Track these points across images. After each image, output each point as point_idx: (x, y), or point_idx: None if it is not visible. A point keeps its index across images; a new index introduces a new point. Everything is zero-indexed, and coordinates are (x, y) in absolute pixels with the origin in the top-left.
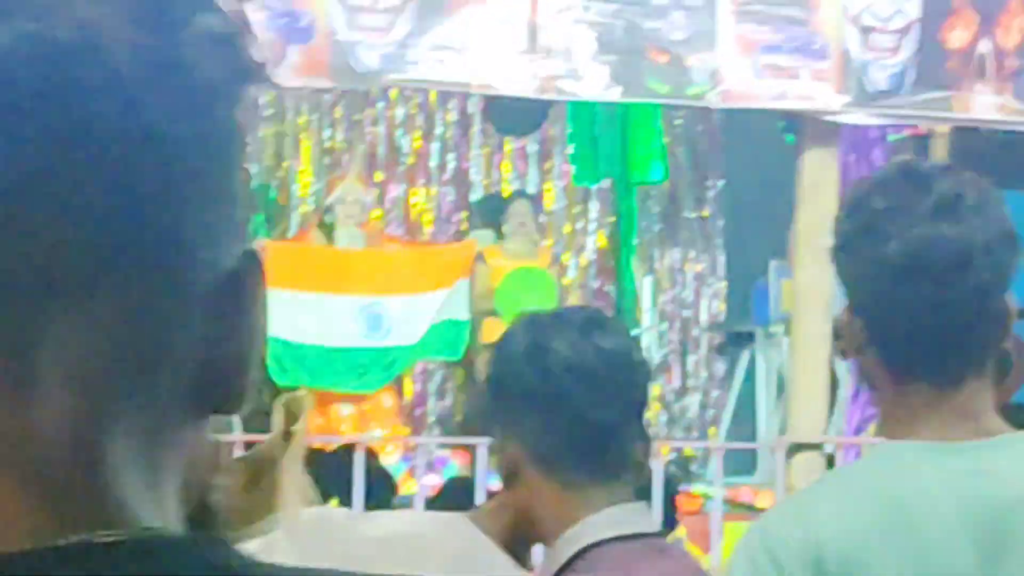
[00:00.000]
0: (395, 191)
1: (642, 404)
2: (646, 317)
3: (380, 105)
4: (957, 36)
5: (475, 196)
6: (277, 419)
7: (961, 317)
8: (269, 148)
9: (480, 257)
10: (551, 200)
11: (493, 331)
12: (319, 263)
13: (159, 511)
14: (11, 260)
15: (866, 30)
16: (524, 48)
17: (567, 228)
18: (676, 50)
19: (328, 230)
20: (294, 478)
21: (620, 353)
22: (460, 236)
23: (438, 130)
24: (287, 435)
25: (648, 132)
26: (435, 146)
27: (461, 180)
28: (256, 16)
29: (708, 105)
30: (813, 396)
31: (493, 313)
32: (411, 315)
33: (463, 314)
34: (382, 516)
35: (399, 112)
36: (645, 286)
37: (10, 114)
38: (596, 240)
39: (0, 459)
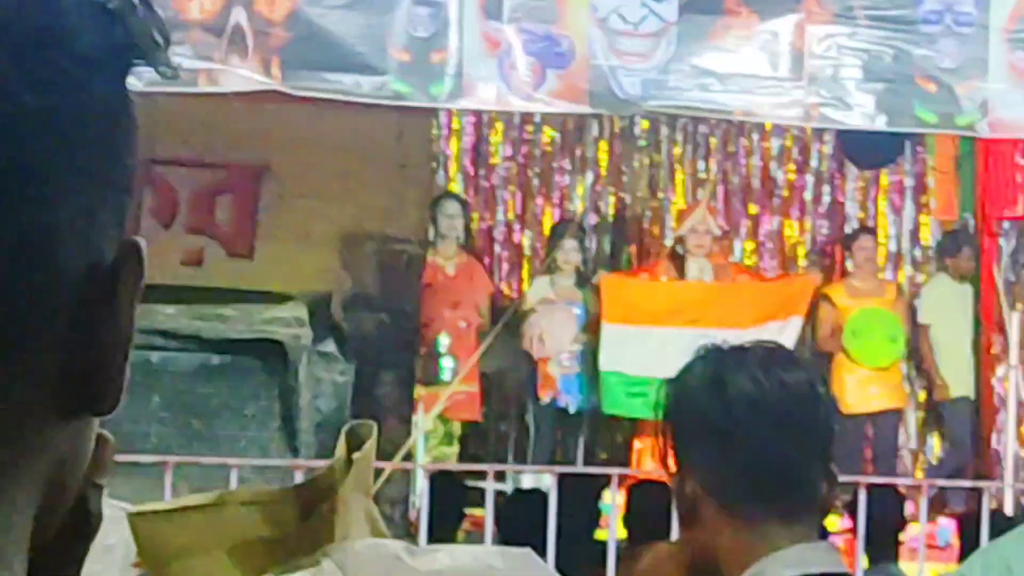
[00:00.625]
0: (768, 224)
1: (827, 441)
2: (1014, 354)
3: (755, 137)
4: None
5: (849, 229)
6: (340, 446)
7: None
8: (643, 178)
9: (825, 297)
10: (910, 235)
11: (842, 369)
12: (658, 296)
13: (5, 533)
14: None
15: None
16: (788, 75)
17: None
18: (945, 79)
19: (680, 261)
20: (355, 507)
21: (803, 388)
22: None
23: (813, 163)
24: (348, 462)
25: (1009, 166)
26: (809, 179)
27: (835, 213)
28: (515, 39)
29: (977, 135)
30: None
31: (842, 352)
32: None
33: None
34: (444, 549)
35: (774, 144)
36: (1014, 321)
37: None
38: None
39: None
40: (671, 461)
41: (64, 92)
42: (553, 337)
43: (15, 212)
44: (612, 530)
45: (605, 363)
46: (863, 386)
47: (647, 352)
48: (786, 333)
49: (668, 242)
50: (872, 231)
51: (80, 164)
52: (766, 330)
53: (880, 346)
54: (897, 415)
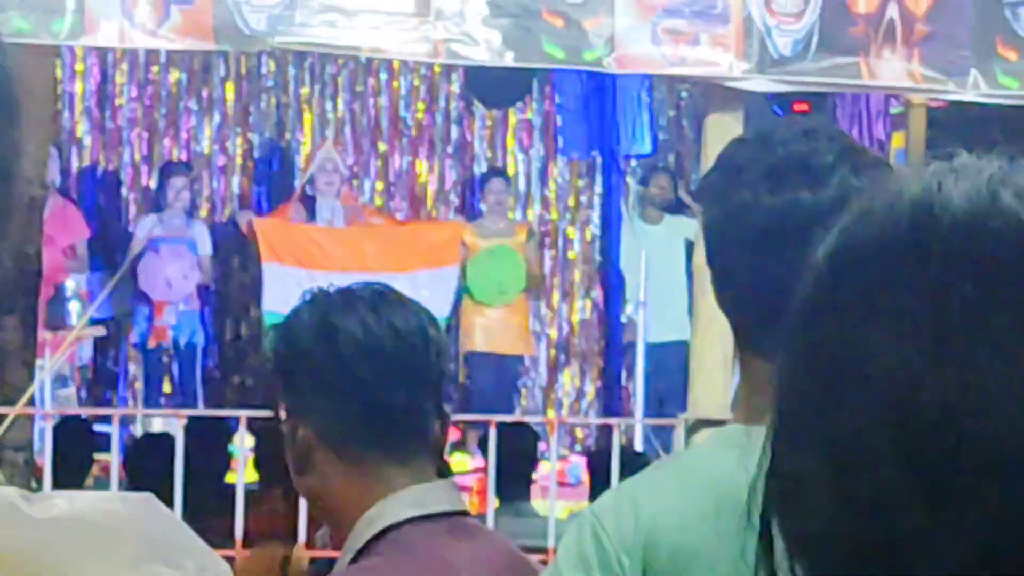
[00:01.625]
0: (398, 163)
1: (438, 382)
2: (642, 291)
3: (384, 77)
4: (863, 0)
5: (479, 169)
6: None
7: (787, 290)
8: (271, 119)
9: None
10: (539, 174)
11: (468, 310)
12: (306, 238)
13: None
14: None
15: None
16: (414, 11)
17: (571, 201)
18: (572, 14)
19: (311, 202)
20: None
21: (413, 331)
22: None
23: (441, 103)
24: None
25: (635, 103)
26: (438, 118)
27: (464, 153)
28: None
29: (604, 70)
30: (716, 372)
31: (466, 291)
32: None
33: (444, 309)
34: (63, 495)
35: (402, 83)
36: (641, 259)
37: None
38: (596, 214)
39: None
40: (282, 407)
41: None
42: (164, 275)
43: None
44: (240, 473)
45: (268, 303)
46: (490, 327)
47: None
48: (440, 282)
49: (297, 183)
50: (502, 173)
51: None
52: (418, 277)
53: (498, 284)
54: (520, 358)
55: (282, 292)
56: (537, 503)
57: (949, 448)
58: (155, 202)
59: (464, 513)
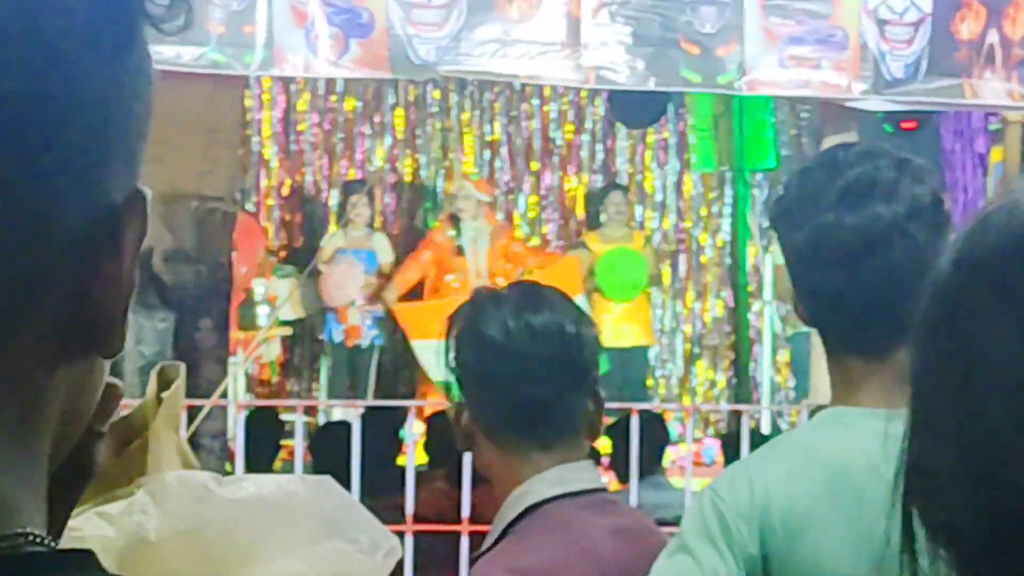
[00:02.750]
0: (549, 179)
1: (582, 374)
2: (767, 292)
3: (536, 102)
4: (967, 28)
5: (621, 181)
6: (151, 386)
7: (877, 295)
8: (435, 141)
9: (583, 244)
10: (674, 187)
11: (599, 306)
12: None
13: (27, 481)
14: None
15: (882, 23)
16: (565, 42)
17: (703, 211)
18: (707, 42)
19: (457, 221)
20: (166, 443)
21: (550, 330)
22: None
23: (587, 125)
24: (159, 400)
25: (761, 122)
26: (585, 139)
27: (608, 168)
28: (319, 12)
29: (736, 92)
30: None
31: (597, 289)
32: None
33: None
34: (250, 479)
35: (552, 108)
36: (766, 263)
37: None
38: (727, 223)
39: None
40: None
41: (58, 72)
42: (346, 282)
43: (22, 174)
44: (410, 456)
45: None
46: (617, 324)
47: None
48: None
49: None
50: (621, 187)
51: (85, 126)
52: None
53: (625, 283)
54: (644, 350)
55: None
56: (675, 479)
57: None
58: (338, 216)
59: (603, 490)
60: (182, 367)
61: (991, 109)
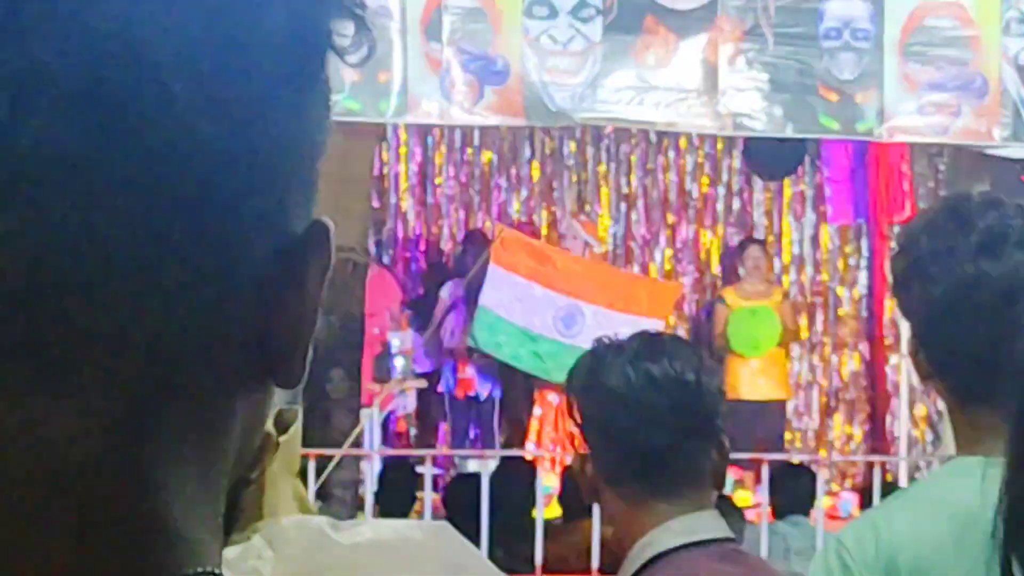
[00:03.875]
0: (685, 232)
1: (704, 423)
2: (905, 345)
3: (671, 154)
4: None
5: (756, 235)
6: (269, 428)
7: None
8: (572, 193)
9: (720, 299)
10: (811, 240)
11: (732, 362)
12: (541, 257)
13: (208, 518)
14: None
15: (1023, 69)
16: (702, 88)
17: (840, 264)
18: (845, 89)
19: None
20: (283, 487)
21: (670, 378)
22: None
23: (724, 176)
24: (276, 444)
25: (896, 174)
26: (720, 191)
27: (744, 221)
28: (454, 59)
29: (876, 139)
30: None
31: (729, 347)
32: (603, 326)
33: None
34: (367, 523)
35: (688, 160)
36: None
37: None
38: (863, 275)
39: (30, 477)
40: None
41: (248, 110)
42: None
43: (212, 207)
44: (540, 508)
45: (485, 300)
46: (753, 377)
47: (521, 302)
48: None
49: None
50: (760, 241)
51: (275, 159)
52: (629, 319)
53: (755, 338)
54: (782, 404)
55: (500, 294)
56: None
57: None
58: (457, 267)
59: (731, 540)
60: (300, 410)
61: None
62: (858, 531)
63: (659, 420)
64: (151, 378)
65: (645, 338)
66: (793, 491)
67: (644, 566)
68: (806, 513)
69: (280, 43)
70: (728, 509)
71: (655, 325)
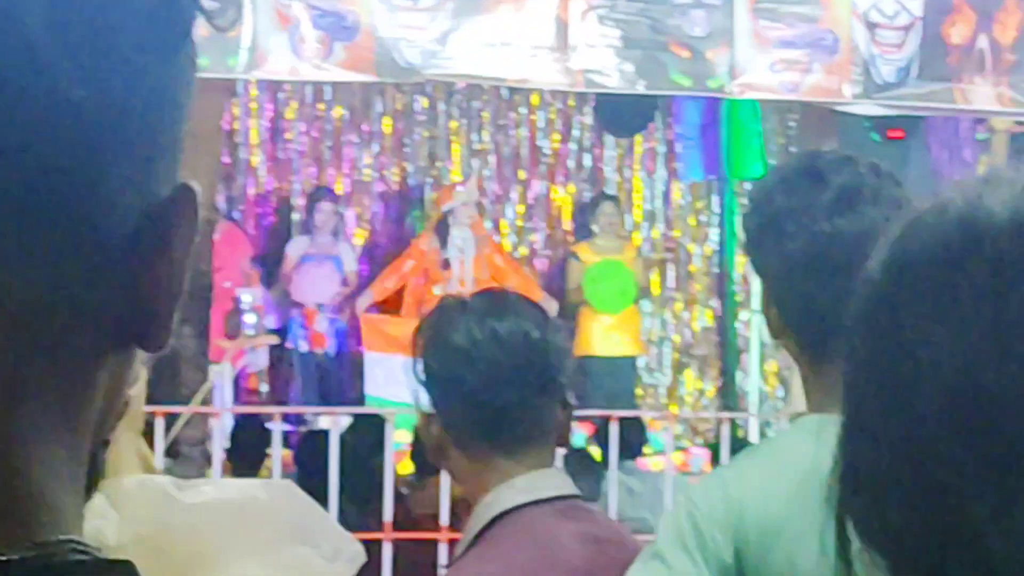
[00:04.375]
0: (537, 188)
1: (549, 380)
2: (755, 301)
3: (523, 111)
4: (957, 32)
5: (609, 191)
6: None
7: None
8: (423, 150)
9: (574, 255)
10: (662, 196)
11: (588, 316)
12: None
13: (72, 484)
14: None
15: (873, 26)
16: (554, 45)
17: (691, 220)
18: (697, 45)
19: (445, 229)
20: (126, 447)
21: (515, 335)
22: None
23: (575, 133)
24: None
25: (748, 130)
26: (572, 147)
27: (595, 178)
28: (303, 14)
29: (726, 96)
30: None
31: (585, 301)
32: None
33: None
34: (211, 482)
35: (540, 116)
36: (754, 273)
37: None
38: (715, 232)
39: None
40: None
41: (118, 75)
42: (316, 283)
43: (79, 171)
44: (388, 464)
45: (369, 389)
46: (606, 334)
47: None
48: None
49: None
50: (612, 198)
51: (141, 121)
52: None
53: (613, 294)
54: (634, 360)
55: (376, 378)
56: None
57: (1015, 433)
58: (304, 224)
59: (575, 497)
60: (143, 370)
61: (981, 114)
62: (708, 489)
63: (504, 377)
64: (16, 342)
65: (490, 296)
66: (627, 445)
67: (488, 524)
68: (634, 458)
69: (148, 7)
70: (587, 464)
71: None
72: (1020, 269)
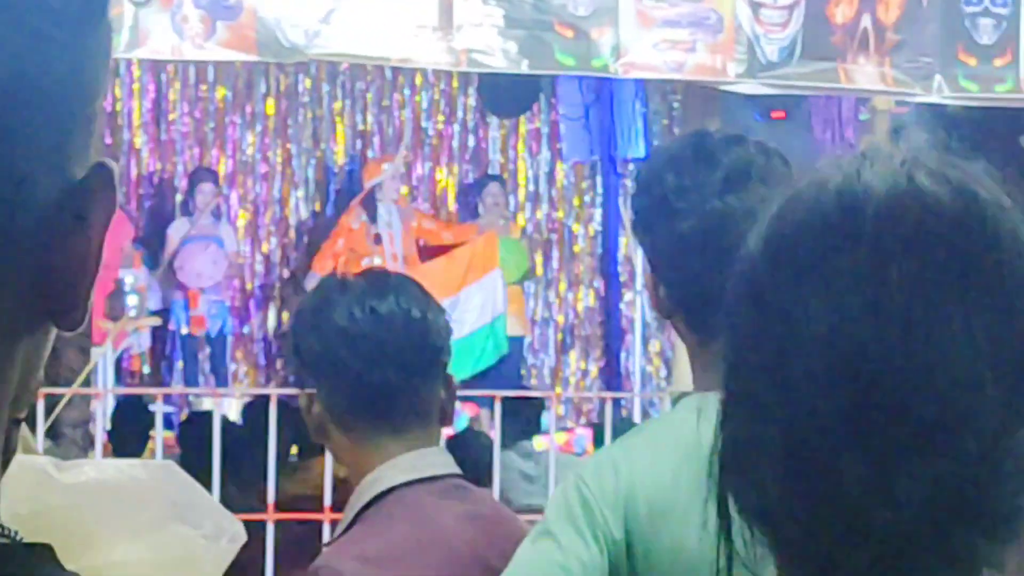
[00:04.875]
0: (420, 169)
1: (430, 360)
2: (639, 281)
3: (407, 92)
4: (841, 12)
5: (493, 172)
6: None
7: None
8: (307, 130)
9: None
10: (546, 177)
11: None
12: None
13: None
14: None
15: (756, 6)
16: (437, 24)
17: (576, 200)
18: (581, 25)
19: (372, 204)
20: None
21: (396, 316)
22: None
23: (459, 114)
24: None
25: (632, 111)
26: (456, 128)
27: (479, 159)
28: None
29: (611, 75)
30: None
31: None
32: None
33: (499, 308)
34: (90, 463)
35: (424, 97)
36: (638, 253)
37: None
38: (599, 213)
39: None
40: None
41: (34, 50)
42: (204, 265)
43: None
44: (272, 445)
45: None
46: None
47: None
48: (489, 288)
49: (332, 190)
50: (499, 178)
51: (51, 103)
52: (469, 291)
53: (508, 266)
54: (519, 340)
55: None
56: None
57: (894, 405)
58: (186, 206)
59: (458, 476)
60: None
61: (865, 94)
62: (598, 467)
63: (386, 357)
64: None
65: (371, 276)
66: (519, 426)
67: (370, 503)
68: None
69: None
70: (484, 440)
71: (495, 275)
72: (898, 243)
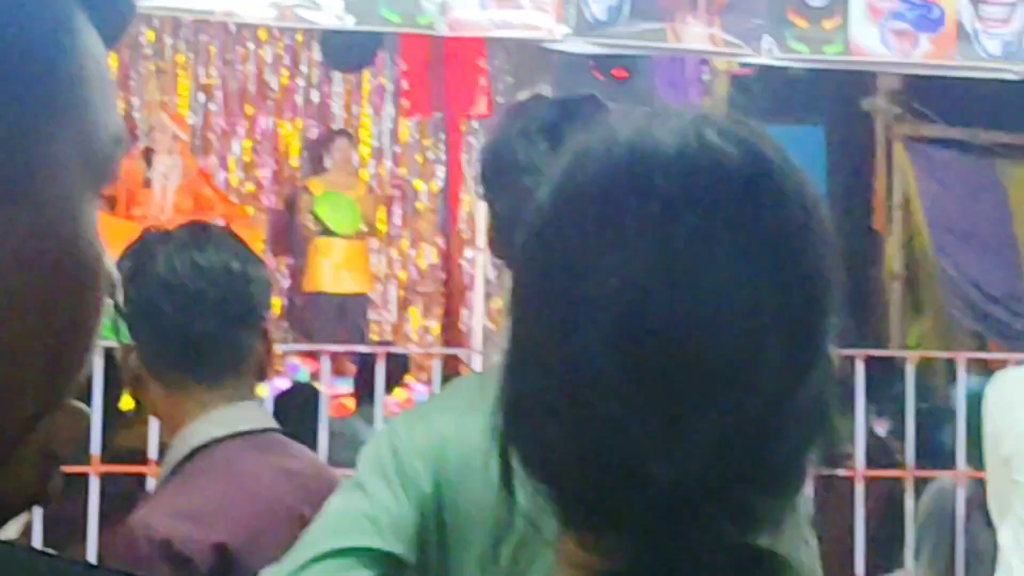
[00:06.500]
0: (264, 124)
1: (248, 312)
2: (480, 239)
3: (251, 46)
4: None
5: (337, 127)
6: None
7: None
8: (150, 83)
9: (305, 188)
10: (390, 133)
11: (321, 250)
12: None
13: None
14: None
15: None
16: None
17: (419, 157)
18: None
19: (150, 154)
20: None
21: (216, 268)
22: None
23: (303, 69)
24: None
25: (473, 68)
26: (300, 83)
27: (323, 114)
28: None
29: (437, 33)
30: None
31: (317, 233)
32: None
33: None
34: None
35: (268, 51)
36: (480, 210)
37: None
38: (441, 169)
39: None
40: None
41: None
42: None
43: None
44: (96, 397)
45: None
46: (336, 271)
47: None
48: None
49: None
50: (347, 133)
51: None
52: None
53: (345, 217)
54: (363, 296)
55: None
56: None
57: (678, 361)
58: None
59: (275, 430)
60: None
61: (693, 54)
62: (410, 419)
63: (205, 308)
64: None
65: (192, 228)
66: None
67: (187, 457)
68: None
69: None
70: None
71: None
72: (686, 200)
